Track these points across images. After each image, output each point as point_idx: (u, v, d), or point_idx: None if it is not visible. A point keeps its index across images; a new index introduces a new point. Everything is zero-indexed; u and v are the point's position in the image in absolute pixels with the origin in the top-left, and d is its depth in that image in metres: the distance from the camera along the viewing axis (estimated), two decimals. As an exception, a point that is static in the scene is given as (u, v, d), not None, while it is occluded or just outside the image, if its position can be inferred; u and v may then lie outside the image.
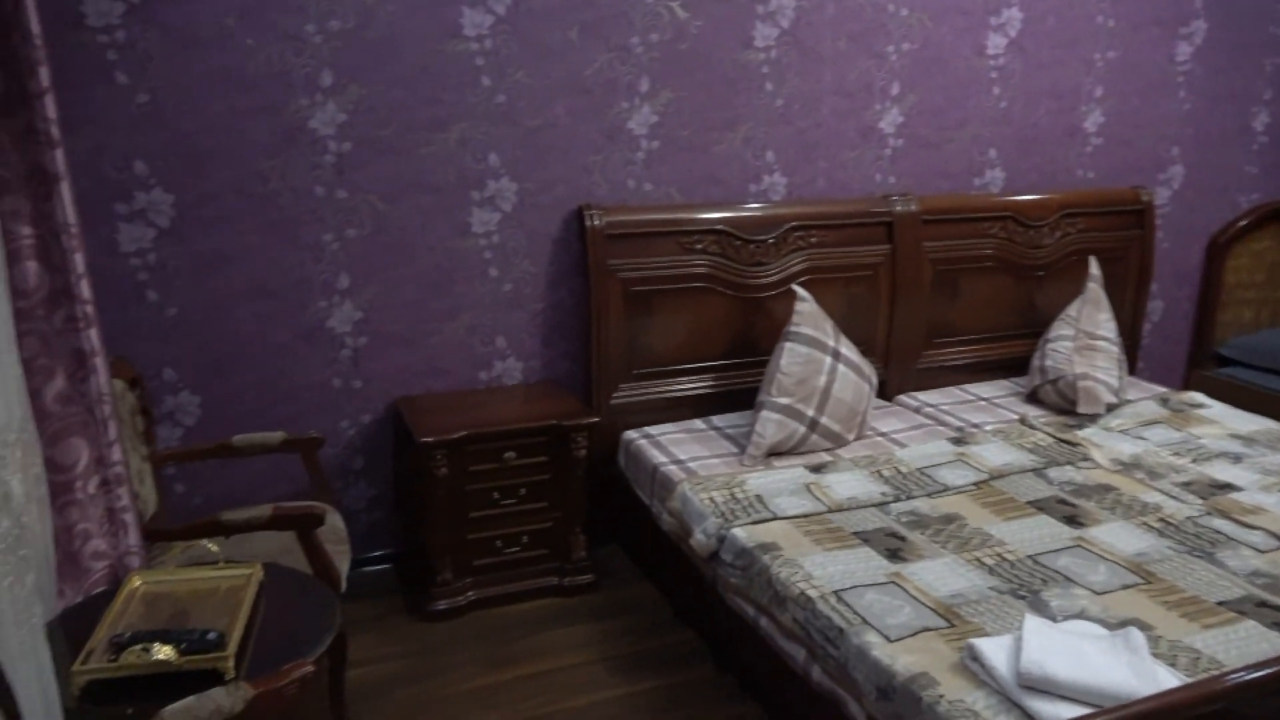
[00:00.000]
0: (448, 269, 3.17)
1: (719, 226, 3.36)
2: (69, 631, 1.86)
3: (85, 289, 2.06)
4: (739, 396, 3.42)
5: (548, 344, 3.37)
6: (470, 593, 3.07)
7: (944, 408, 3.61)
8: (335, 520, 2.61)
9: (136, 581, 2.02)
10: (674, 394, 3.43)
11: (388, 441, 3.25)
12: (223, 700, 1.54)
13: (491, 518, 3.05)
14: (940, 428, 3.41)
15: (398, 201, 3.06)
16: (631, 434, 3.32)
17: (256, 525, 2.26)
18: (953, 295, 3.79)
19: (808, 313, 3.20)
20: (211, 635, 1.78)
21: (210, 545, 2.21)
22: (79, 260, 2.03)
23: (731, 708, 2.62)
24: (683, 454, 3.11)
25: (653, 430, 3.31)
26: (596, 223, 3.19)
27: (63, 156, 1.98)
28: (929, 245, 3.67)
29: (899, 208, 3.59)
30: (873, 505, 2.75)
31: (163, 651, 1.72)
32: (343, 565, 2.45)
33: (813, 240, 3.49)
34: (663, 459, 3.09)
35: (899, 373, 3.76)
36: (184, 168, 2.80)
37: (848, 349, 3.27)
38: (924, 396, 3.73)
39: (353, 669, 2.56)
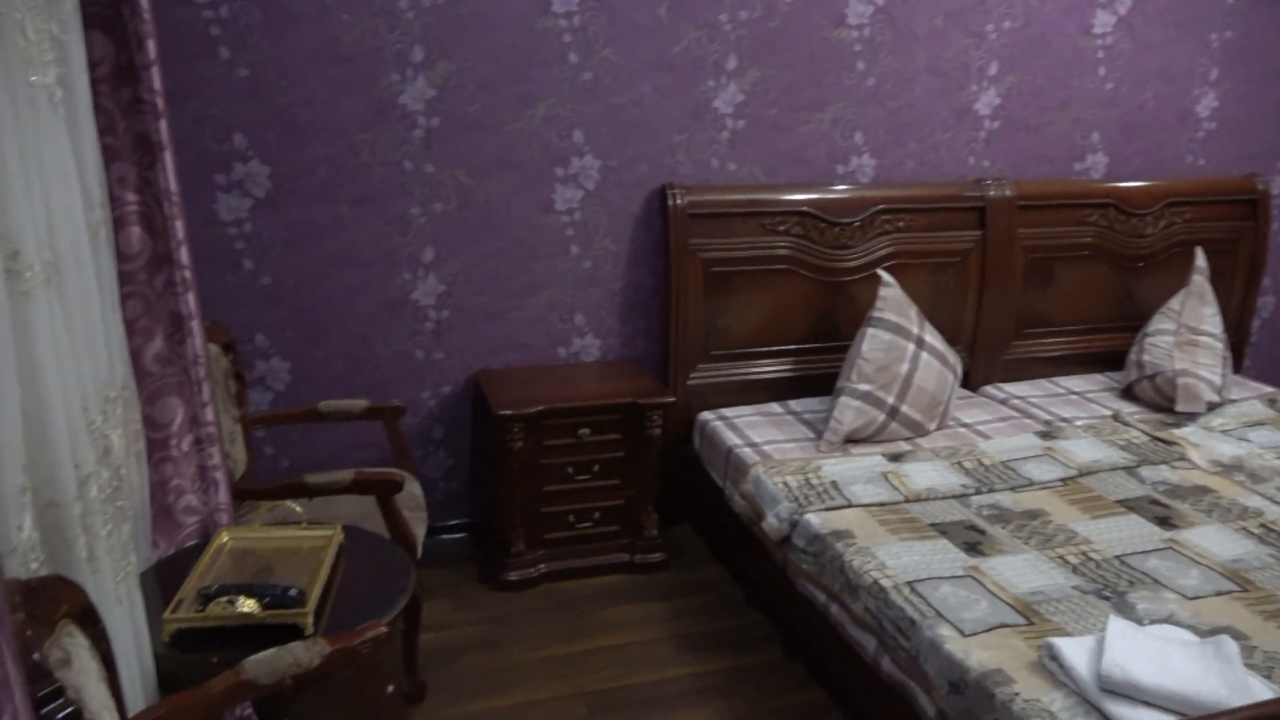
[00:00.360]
0: (530, 245, 3.20)
1: (803, 208, 3.30)
2: (161, 581, 1.96)
3: (185, 255, 2.13)
4: (818, 381, 3.37)
5: (626, 322, 3.38)
6: (542, 565, 3.11)
7: (1032, 400, 3.50)
8: (414, 488, 2.67)
9: (225, 537, 2.11)
10: (751, 377, 3.40)
11: (467, 413, 3.31)
12: (301, 654, 1.59)
13: (565, 492, 3.08)
14: (1027, 421, 3.30)
15: (483, 177, 3.10)
16: (707, 415, 3.30)
17: (338, 489, 2.33)
18: (1046, 284, 3.66)
19: (892, 298, 3.13)
20: (293, 592, 1.84)
21: (295, 506, 2.29)
22: (179, 227, 2.11)
23: (799, 694, 2.60)
24: (758, 437, 3.09)
25: (728, 412, 3.29)
26: (679, 202, 3.17)
27: (166, 127, 2.05)
28: (1023, 232, 3.54)
29: (992, 192, 3.47)
30: (952, 497, 2.69)
31: (247, 604, 1.80)
32: (419, 532, 2.51)
33: (900, 224, 3.41)
34: (737, 441, 3.07)
35: (986, 363, 3.65)
36: (281, 140, 2.89)
37: (932, 337, 3.19)
38: (1011, 388, 3.61)
39: (426, 633, 2.63)
